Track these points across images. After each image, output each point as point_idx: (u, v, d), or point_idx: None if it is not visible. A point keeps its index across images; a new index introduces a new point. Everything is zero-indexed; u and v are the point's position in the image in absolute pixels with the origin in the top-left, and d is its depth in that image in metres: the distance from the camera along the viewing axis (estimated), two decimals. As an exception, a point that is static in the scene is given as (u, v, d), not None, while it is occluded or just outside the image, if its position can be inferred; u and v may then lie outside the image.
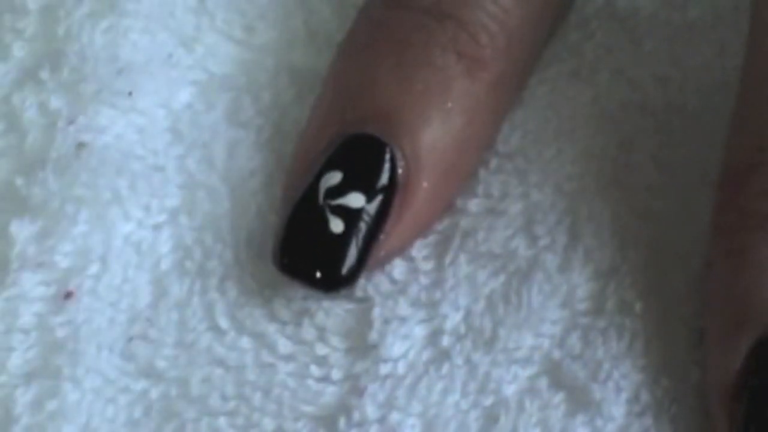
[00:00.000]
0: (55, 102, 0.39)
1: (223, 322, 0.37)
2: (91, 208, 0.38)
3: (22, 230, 0.37)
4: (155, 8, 0.39)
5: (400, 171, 0.35)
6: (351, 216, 0.35)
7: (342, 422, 0.35)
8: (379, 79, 0.35)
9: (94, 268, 0.37)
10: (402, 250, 0.36)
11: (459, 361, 0.35)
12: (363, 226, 0.35)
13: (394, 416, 0.35)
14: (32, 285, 0.37)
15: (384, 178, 0.35)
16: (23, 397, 0.36)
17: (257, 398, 0.36)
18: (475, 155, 0.37)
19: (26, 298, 0.37)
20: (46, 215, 0.37)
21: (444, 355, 0.35)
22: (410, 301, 0.36)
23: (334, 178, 0.35)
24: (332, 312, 0.36)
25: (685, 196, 0.36)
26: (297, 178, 0.36)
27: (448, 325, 0.35)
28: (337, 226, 0.34)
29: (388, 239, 0.35)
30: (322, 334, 0.36)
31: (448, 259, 0.36)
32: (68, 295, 0.37)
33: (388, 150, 0.35)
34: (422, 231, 0.36)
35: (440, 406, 0.35)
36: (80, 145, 0.38)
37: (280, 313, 0.36)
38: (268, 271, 0.37)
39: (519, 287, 0.35)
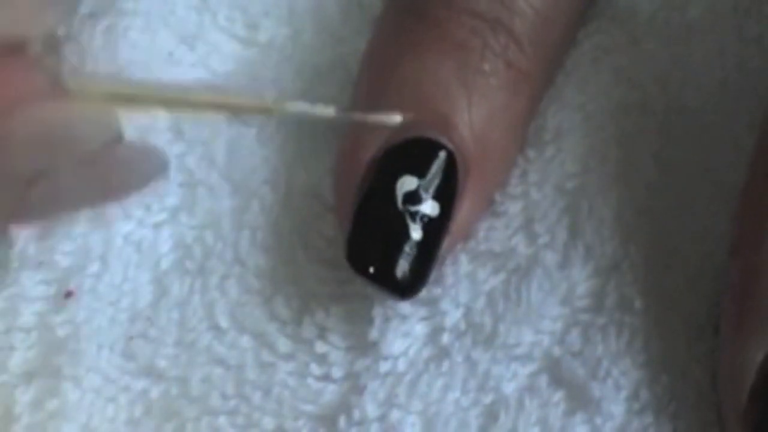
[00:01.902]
0: (56, 102, 0.39)
1: (223, 321, 0.37)
2: (92, 207, 0.38)
3: (22, 230, 0.37)
4: (155, 7, 0.39)
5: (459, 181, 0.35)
6: (429, 225, 0.34)
7: (342, 421, 0.35)
8: (442, 83, 0.35)
9: (94, 267, 0.37)
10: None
11: (459, 358, 0.35)
12: (435, 235, 0.35)
13: (395, 414, 0.35)
14: (33, 284, 0.37)
15: (452, 187, 0.35)
16: (24, 396, 0.36)
17: (257, 397, 0.36)
18: (510, 166, 0.37)
19: (27, 297, 0.37)
20: (46, 215, 0.38)
21: (444, 353, 0.35)
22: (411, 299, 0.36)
23: (411, 183, 0.34)
24: (332, 310, 0.36)
25: (686, 195, 0.36)
26: (355, 164, 0.35)
27: (448, 322, 0.36)
28: (416, 233, 0.34)
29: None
30: (322, 333, 0.36)
31: (449, 258, 0.36)
32: (68, 294, 0.37)
33: (460, 162, 0.35)
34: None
35: (440, 404, 0.35)
36: (80, 145, 0.38)
37: (280, 312, 0.37)
38: (268, 270, 0.37)
39: (519, 284, 0.36)
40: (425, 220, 0.34)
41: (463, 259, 0.36)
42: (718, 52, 0.38)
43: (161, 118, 0.39)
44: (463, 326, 0.36)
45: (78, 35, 0.39)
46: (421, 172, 0.34)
